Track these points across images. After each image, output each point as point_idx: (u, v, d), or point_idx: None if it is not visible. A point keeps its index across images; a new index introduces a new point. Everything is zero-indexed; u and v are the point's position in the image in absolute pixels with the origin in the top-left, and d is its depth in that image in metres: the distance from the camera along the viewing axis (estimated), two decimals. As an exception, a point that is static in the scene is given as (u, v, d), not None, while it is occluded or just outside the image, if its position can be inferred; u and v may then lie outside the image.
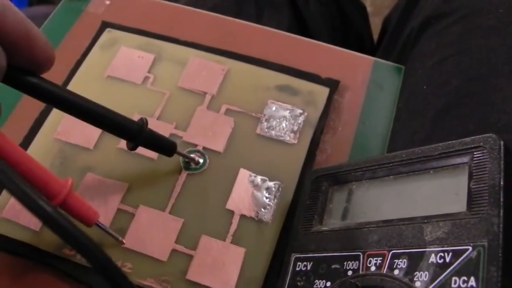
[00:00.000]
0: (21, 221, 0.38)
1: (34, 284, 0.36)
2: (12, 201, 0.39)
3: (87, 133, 0.42)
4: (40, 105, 0.43)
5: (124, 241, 0.37)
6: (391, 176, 0.32)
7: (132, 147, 0.36)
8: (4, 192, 0.40)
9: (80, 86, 0.45)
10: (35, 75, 0.31)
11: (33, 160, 0.33)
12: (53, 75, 0.33)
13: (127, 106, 0.43)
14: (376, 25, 0.71)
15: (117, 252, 0.37)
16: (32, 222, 0.38)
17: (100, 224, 0.36)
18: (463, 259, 0.25)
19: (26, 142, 0.42)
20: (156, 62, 0.46)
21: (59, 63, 0.34)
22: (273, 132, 0.42)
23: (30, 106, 0.43)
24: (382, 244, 0.29)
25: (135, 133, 0.36)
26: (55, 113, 0.43)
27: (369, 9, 0.70)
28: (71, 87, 0.45)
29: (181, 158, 0.40)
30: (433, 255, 0.26)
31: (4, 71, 0.28)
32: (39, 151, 0.42)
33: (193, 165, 0.40)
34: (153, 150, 0.38)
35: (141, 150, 0.37)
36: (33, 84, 0.31)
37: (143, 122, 0.36)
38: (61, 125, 0.42)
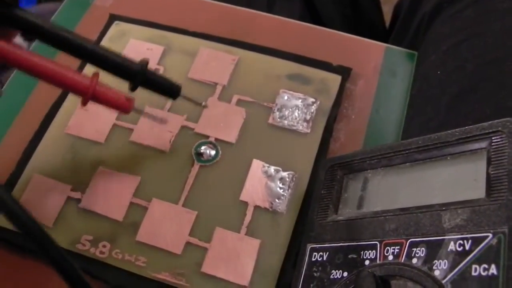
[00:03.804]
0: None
1: (48, 280, 0.36)
2: (25, 196, 0.39)
3: (98, 127, 0.42)
4: (50, 99, 0.43)
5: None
6: (407, 163, 0.32)
7: (132, 87, 0.35)
8: (18, 187, 0.40)
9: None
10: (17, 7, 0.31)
11: (59, 64, 0.34)
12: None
13: (137, 99, 0.42)
14: (385, 13, 0.70)
15: (131, 246, 0.37)
16: (45, 218, 0.38)
17: (138, 109, 0.37)
18: (483, 247, 0.25)
19: (37, 136, 0.42)
20: (166, 53, 0.46)
21: (68, 57, 0.34)
22: (285, 122, 0.41)
23: (41, 100, 0.43)
24: (400, 232, 0.29)
25: (135, 72, 0.35)
26: (66, 107, 0.43)
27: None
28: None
29: (193, 150, 0.40)
30: (452, 242, 0.26)
31: None
32: (50, 146, 0.41)
33: (204, 157, 0.40)
34: (155, 91, 0.37)
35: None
36: (19, 18, 0.31)
37: (144, 62, 0.35)
38: (72, 119, 0.42)
